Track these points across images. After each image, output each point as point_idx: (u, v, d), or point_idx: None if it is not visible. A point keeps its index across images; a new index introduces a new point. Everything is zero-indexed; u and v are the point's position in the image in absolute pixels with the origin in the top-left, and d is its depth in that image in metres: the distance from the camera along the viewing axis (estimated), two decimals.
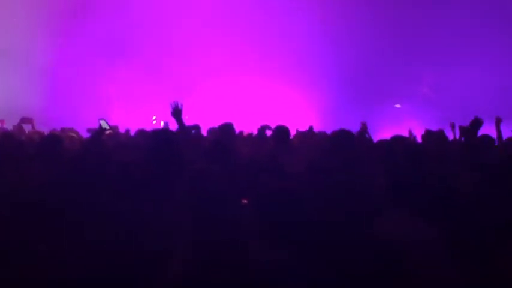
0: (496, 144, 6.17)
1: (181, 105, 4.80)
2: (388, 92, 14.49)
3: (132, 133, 7.75)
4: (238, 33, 14.19)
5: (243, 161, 4.66)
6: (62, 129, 8.09)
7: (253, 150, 6.18)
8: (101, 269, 2.91)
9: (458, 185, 3.48)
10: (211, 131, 6.82)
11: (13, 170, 4.42)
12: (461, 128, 6.78)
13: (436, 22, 13.74)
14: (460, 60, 13.49)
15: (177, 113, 4.81)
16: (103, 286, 2.86)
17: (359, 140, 5.86)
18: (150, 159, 3.93)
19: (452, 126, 7.31)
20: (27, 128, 8.53)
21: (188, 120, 4.99)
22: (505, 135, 6.67)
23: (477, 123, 5.64)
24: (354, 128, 5.79)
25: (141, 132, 6.50)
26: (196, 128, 6.80)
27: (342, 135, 4.65)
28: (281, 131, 5.69)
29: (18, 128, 8.46)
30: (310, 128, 8.26)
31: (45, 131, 7.89)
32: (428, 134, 6.96)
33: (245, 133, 8.16)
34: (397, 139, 4.95)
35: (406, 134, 7.33)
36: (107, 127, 6.16)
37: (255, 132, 7.51)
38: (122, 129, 8.80)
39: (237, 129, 6.60)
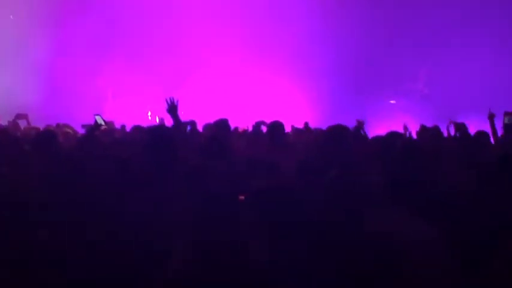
0: (492, 140, 6.19)
1: (177, 101, 4.79)
2: (383, 87, 14.52)
3: (128, 129, 7.73)
4: (234, 28, 14.15)
5: (239, 158, 4.65)
6: (57, 125, 8.08)
7: (249, 146, 6.19)
8: (101, 269, 2.91)
9: (455, 184, 3.50)
10: (206, 127, 6.82)
11: (9, 166, 4.41)
12: (456, 125, 6.81)
13: (432, 18, 13.78)
14: (455, 55, 13.54)
15: (172, 109, 4.80)
16: (103, 286, 2.86)
17: (355, 136, 5.86)
18: (147, 155, 3.93)
19: (450, 124, 7.27)
20: (22, 123, 8.50)
21: (183, 115, 4.98)
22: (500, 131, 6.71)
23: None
24: (350, 124, 5.79)
25: (137, 128, 6.49)
26: (192, 123, 6.80)
27: (337, 130, 4.63)
28: (276, 127, 5.69)
29: (14, 124, 8.43)
30: (306, 124, 8.27)
31: (41, 127, 7.86)
32: (423, 130, 6.99)
33: (240, 129, 8.15)
34: (392, 135, 4.91)
35: (401, 129, 7.32)
36: (103, 123, 6.14)
37: (250, 128, 7.52)
38: (117, 125, 8.79)
39: (232, 125, 6.60)
